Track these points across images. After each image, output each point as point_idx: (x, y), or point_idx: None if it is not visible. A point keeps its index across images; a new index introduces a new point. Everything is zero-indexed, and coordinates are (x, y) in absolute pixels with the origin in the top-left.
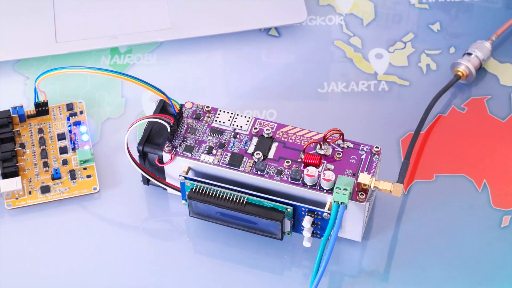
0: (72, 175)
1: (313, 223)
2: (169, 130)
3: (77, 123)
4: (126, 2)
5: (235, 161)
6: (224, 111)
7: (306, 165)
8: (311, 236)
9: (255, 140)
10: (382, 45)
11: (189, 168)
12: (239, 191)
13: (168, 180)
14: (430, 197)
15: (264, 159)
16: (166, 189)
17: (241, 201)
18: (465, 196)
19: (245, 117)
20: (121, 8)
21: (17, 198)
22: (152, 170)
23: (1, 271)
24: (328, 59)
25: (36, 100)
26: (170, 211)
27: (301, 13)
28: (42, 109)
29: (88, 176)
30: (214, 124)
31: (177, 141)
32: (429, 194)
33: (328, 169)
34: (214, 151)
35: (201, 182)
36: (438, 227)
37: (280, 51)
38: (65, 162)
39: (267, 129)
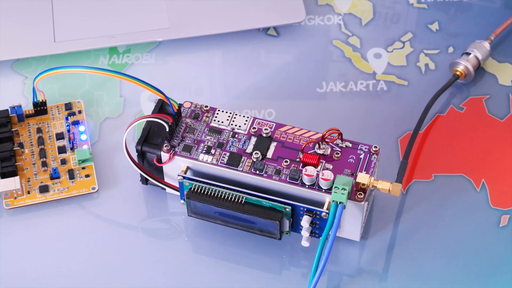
0: (71, 174)
1: (311, 223)
2: (167, 129)
3: (76, 123)
4: (125, 2)
5: (233, 161)
6: (222, 111)
7: (305, 164)
8: (309, 235)
9: (253, 139)
10: (381, 44)
11: (188, 168)
12: (237, 191)
13: (166, 179)
14: (428, 197)
15: (262, 158)
16: (164, 189)
17: (239, 201)
18: (464, 196)
19: (244, 116)
20: (120, 8)
21: (15, 198)
22: (151, 170)
23: (0, 270)
24: (327, 58)
25: (35, 100)
26: (169, 211)
27: (299, 13)
28: (40, 108)
29: (87, 176)
30: (212, 124)
31: (175, 140)
32: (428, 194)
33: (327, 168)
34: (212, 151)
35: (200, 181)
36: (437, 226)
37: (278, 50)
38: (63, 162)
39: (265, 129)
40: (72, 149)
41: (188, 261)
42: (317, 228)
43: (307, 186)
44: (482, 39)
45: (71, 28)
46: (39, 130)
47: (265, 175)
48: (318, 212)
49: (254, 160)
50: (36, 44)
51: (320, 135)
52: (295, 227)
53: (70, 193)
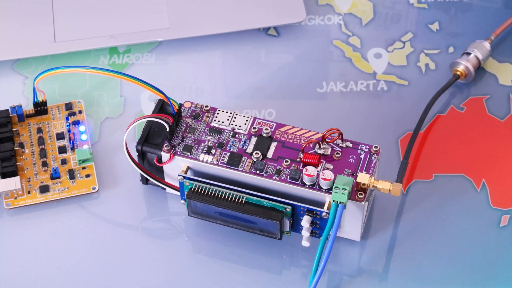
0: (71, 174)
1: (312, 223)
2: (168, 129)
3: (76, 123)
4: (125, 2)
5: (234, 161)
6: (223, 111)
7: (305, 164)
8: (310, 235)
9: (254, 139)
10: (381, 44)
11: (188, 168)
12: (238, 191)
13: (167, 179)
14: (429, 197)
15: (263, 158)
16: (165, 189)
17: (240, 201)
18: (464, 196)
19: (244, 116)
20: (120, 8)
21: (16, 198)
22: (151, 170)
23: (0, 270)
24: (327, 58)
25: (35, 100)
26: (169, 211)
27: (300, 13)
28: (41, 108)
29: (87, 176)
30: (213, 124)
31: (176, 140)
32: (428, 194)
33: (327, 168)
34: (213, 151)
35: (200, 181)
36: (437, 226)
37: (279, 50)
38: (64, 162)
39: (266, 129)
40: (73, 149)
41: (188, 261)
42: (317, 228)
43: (307, 186)
44: (483, 39)
45: (71, 28)
46: (39, 130)
47: (265, 175)
48: (318, 212)
49: (255, 160)
50: (36, 44)
51: (320, 135)
52: (296, 227)
53: (71, 193)
